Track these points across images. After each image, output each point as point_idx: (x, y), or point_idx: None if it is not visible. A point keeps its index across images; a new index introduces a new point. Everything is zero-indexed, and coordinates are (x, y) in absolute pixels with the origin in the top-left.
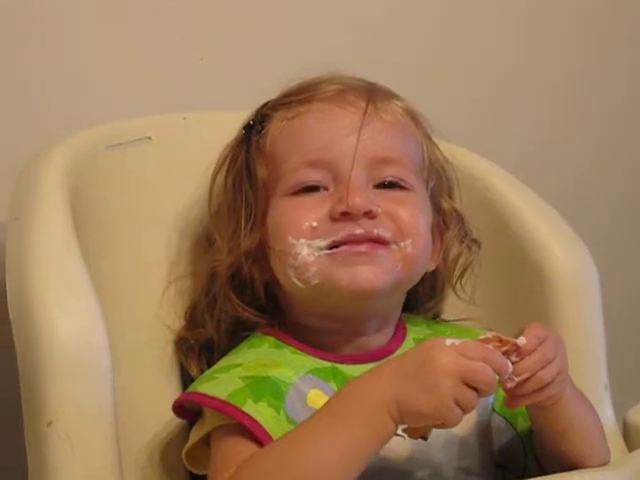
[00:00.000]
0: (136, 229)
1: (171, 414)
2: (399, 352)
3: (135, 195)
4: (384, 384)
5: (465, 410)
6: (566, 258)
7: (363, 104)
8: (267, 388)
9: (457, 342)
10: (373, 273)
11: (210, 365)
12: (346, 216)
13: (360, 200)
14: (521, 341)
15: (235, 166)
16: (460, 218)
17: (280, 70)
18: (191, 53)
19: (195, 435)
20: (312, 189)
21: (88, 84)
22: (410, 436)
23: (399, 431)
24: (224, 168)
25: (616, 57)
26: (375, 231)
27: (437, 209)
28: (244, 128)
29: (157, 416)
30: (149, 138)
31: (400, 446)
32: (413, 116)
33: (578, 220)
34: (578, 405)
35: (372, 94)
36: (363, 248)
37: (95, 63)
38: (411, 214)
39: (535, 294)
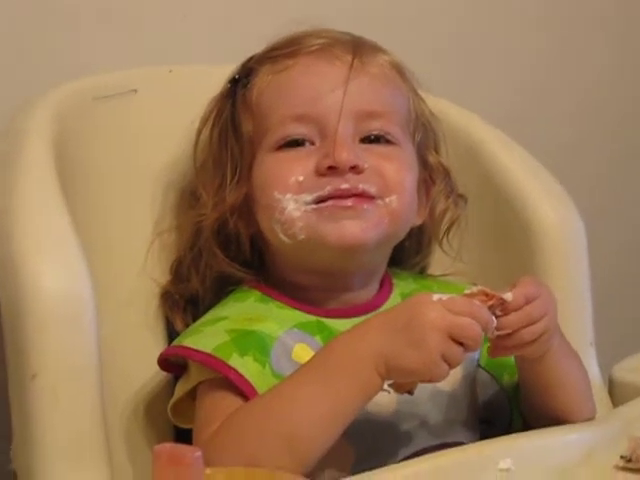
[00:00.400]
0: (121, 181)
1: (156, 367)
2: (385, 306)
3: (120, 147)
4: (371, 339)
5: (452, 365)
6: (553, 212)
7: (349, 58)
8: (253, 342)
9: (444, 297)
10: (359, 227)
11: (195, 319)
12: (332, 170)
13: (346, 154)
14: (507, 296)
15: (220, 120)
16: (446, 173)
17: (265, 23)
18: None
19: (180, 389)
20: (298, 143)
21: (75, 36)
22: (396, 391)
23: (385, 386)
24: (209, 122)
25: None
26: (361, 186)
27: (423, 163)
28: (229, 82)
29: (142, 369)
30: (135, 91)
31: (385, 398)
32: (399, 70)
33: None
34: (566, 361)
35: (358, 48)
36: (349, 202)
37: (83, 16)
38: (397, 170)
39: (521, 249)
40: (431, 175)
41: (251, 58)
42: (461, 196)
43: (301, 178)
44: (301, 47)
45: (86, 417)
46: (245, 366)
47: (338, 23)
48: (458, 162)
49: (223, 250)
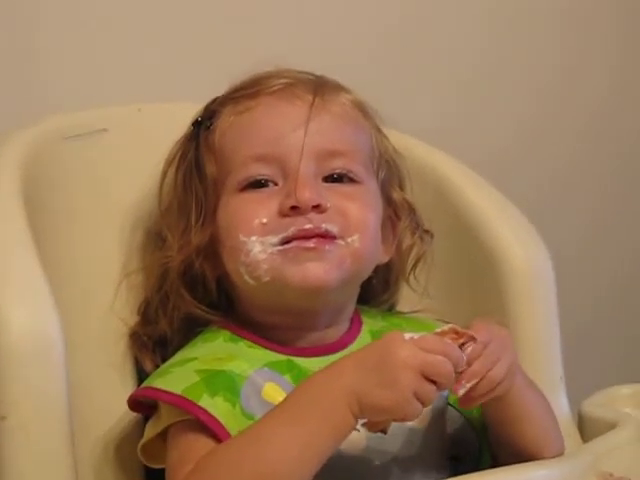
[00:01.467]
0: (90, 221)
1: (125, 408)
2: (355, 344)
3: (90, 186)
4: (344, 379)
5: (425, 404)
6: (521, 250)
7: (310, 97)
8: (222, 382)
9: (416, 336)
10: (322, 269)
11: (165, 360)
12: (295, 210)
13: (309, 194)
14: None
15: (185, 163)
16: (411, 209)
17: (234, 61)
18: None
19: (151, 430)
20: (261, 184)
21: (44, 75)
22: (370, 430)
23: (358, 425)
24: (174, 164)
25: (595, 55)
26: (324, 225)
27: (388, 200)
28: (193, 124)
29: (111, 409)
30: (105, 130)
31: (355, 435)
32: (361, 108)
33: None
34: (530, 394)
35: (319, 87)
36: (311, 244)
37: (52, 55)
38: (360, 208)
39: (490, 285)
40: (396, 212)
41: (214, 100)
42: (427, 232)
43: (265, 220)
44: (262, 87)
45: (55, 458)
46: (215, 406)
47: (303, 62)
48: (425, 198)
49: (190, 292)
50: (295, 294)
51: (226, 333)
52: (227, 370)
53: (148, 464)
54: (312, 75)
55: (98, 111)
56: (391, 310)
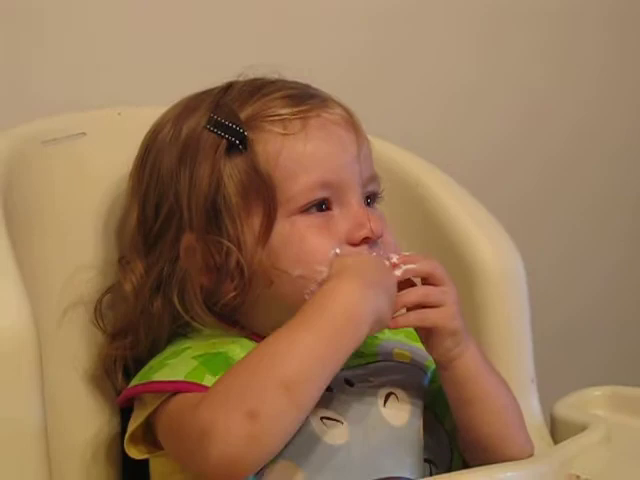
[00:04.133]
0: (67, 227)
1: (101, 408)
2: None
3: (69, 192)
4: (363, 304)
5: None
6: (492, 251)
7: (350, 120)
8: (220, 363)
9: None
10: None
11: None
12: (366, 240)
13: (379, 226)
14: None
15: (213, 178)
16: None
17: (213, 66)
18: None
19: (137, 420)
20: (321, 209)
21: (25, 78)
22: None
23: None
24: (186, 175)
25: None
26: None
27: None
28: (228, 143)
29: (87, 411)
30: (83, 134)
31: (338, 430)
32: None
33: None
34: (489, 377)
35: (343, 106)
36: None
37: (34, 58)
38: (388, 232)
39: (460, 287)
40: None
41: (232, 114)
42: None
43: (338, 250)
44: (303, 108)
45: (29, 460)
46: None
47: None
48: (395, 199)
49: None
50: None
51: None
52: (222, 352)
53: (133, 456)
54: (313, 88)
55: (77, 115)
56: None
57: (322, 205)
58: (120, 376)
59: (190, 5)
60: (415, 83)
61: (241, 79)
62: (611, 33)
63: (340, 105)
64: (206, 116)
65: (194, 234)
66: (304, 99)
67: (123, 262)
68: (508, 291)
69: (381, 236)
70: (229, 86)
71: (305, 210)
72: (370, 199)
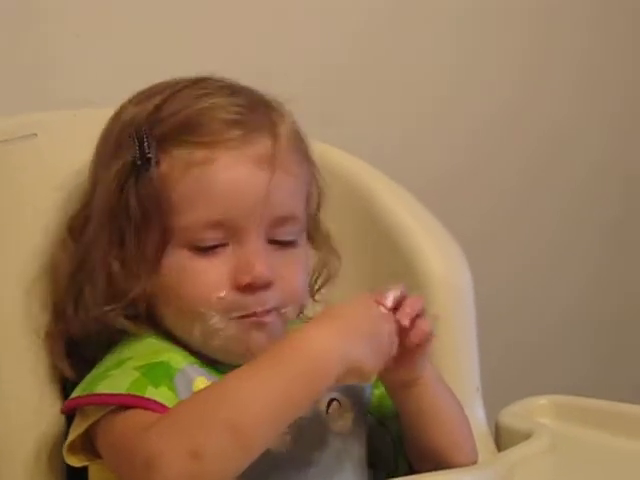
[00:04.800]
0: (19, 230)
1: (45, 412)
2: None
3: (19, 194)
4: (325, 341)
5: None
6: (440, 261)
7: (273, 157)
8: (162, 372)
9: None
10: (265, 340)
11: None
12: (249, 286)
13: (266, 272)
14: None
15: (120, 192)
16: (327, 236)
17: (172, 66)
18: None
19: (76, 430)
20: (214, 247)
21: None
22: None
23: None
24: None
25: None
26: (272, 304)
27: (310, 234)
28: (133, 157)
29: (30, 415)
30: (35, 135)
31: (278, 439)
32: (302, 138)
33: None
34: (441, 389)
35: (273, 128)
36: (266, 319)
37: None
38: (296, 276)
39: None
40: (314, 243)
41: (145, 130)
42: (339, 257)
43: (222, 294)
44: (218, 138)
45: None
46: (161, 395)
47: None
48: (343, 207)
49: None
50: (234, 357)
51: (154, 335)
52: (164, 361)
53: (71, 464)
54: (259, 102)
55: (30, 116)
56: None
57: (215, 246)
58: (66, 360)
59: (177, 6)
60: (395, 83)
61: (190, 82)
62: (590, 33)
63: (275, 134)
64: (140, 116)
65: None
66: (226, 125)
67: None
68: (455, 302)
69: (269, 283)
70: (178, 90)
71: (197, 244)
72: (283, 242)
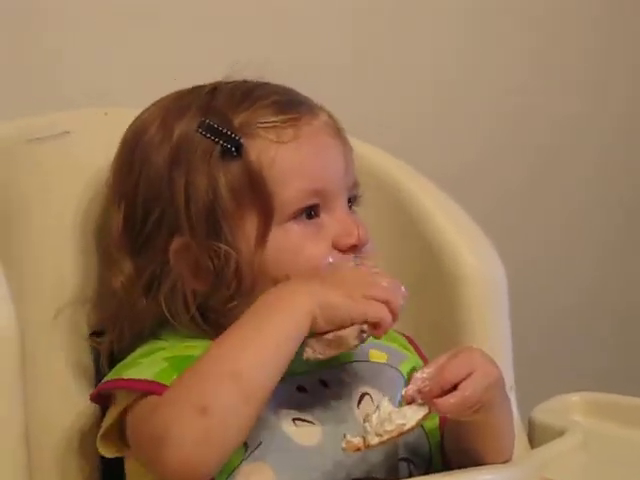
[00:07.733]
0: (53, 227)
1: (82, 404)
2: None
3: (53, 192)
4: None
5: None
6: (475, 261)
7: (335, 128)
8: (189, 365)
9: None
10: None
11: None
12: (352, 247)
13: (366, 234)
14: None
15: (206, 182)
16: None
17: (198, 67)
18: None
19: (108, 418)
20: (310, 216)
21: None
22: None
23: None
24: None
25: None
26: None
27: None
28: (221, 149)
29: (68, 405)
30: (67, 132)
31: (310, 429)
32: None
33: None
34: (505, 411)
35: (331, 115)
36: None
37: (26, 59)
38: (369, 237)
39: (443, 297)
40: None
41: (226, 120)
42: None
43: (331, 259)
44: (296, 116)
45: (8, 453)
46: None
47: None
48: (379, 206)
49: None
50: None
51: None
52: (194, 355)
53: (105, 454)
54: (297, 93)
55: (62, 114)
56: None
57: (311, 212)
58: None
59: (178, 6)
60: (399, 81)
61: (225, 81)
62: (597, 33)
63: (325, 111)
64: (197, 119)
65: (188, 238)
66: (293, 106)
67: (109, 260)
68: (489, 299)
69: (367, 244)
70: (215, 88)
71: (295, 217)
72: (351, 203)
